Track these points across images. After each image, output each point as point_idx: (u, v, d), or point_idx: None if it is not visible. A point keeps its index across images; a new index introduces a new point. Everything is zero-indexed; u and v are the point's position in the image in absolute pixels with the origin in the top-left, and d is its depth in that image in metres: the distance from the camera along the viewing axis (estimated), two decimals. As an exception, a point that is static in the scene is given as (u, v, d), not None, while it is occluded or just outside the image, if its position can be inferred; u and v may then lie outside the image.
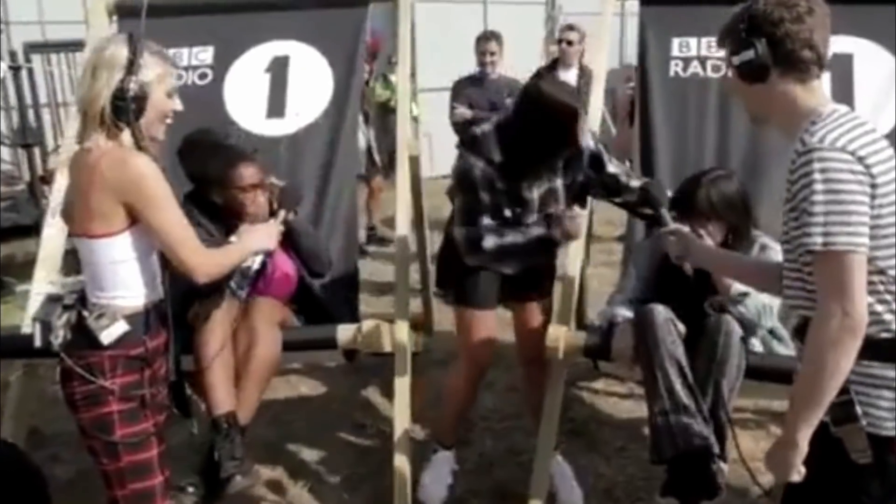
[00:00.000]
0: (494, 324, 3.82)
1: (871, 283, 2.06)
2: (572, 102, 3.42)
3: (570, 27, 7.26)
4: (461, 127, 6.78)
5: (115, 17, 4.68)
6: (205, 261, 2.65)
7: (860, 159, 2.03)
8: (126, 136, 2.56)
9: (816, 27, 2.16)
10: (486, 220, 3.56)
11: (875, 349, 2.08)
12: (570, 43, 7.11)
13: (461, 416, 4.09)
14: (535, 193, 3.62)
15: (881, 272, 2.08)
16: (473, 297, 3.75)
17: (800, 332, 2.20)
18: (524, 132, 3.49)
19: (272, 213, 3.60)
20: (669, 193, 3.57)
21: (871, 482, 2.16)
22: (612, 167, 3.70)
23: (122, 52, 2.53)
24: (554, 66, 7.19)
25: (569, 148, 3.55)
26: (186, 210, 3.52)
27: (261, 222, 3.61)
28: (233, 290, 3.58)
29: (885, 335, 2.10)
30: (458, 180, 3.66)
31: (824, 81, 4.11)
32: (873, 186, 2.03)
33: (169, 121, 2.70)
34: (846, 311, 2.00)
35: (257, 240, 3.02)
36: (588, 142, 3.67)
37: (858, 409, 2.10)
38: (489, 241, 3.56)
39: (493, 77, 7.09)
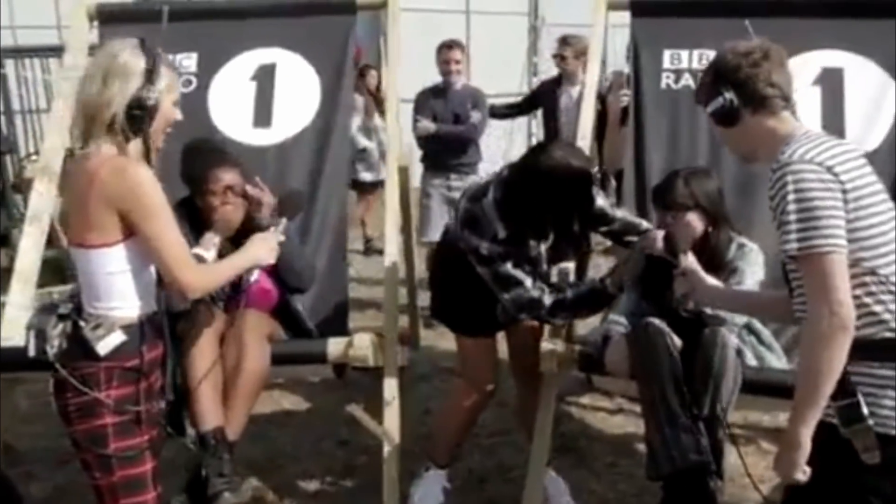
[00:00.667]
0: (496, 349, 3.83)
1: (864, 284, 2.20)
2: (584, 165, 3.33)
3: (565, 41, 6.95)
4: (424, 142, 6.69)
5: (94, 23, 4.61)
6: (198, 277, 2.62)
7: (828, 169, 2.20)
8: (133, 145, 2.53)
9: (773, 68, 2.40)
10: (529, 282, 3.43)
11: (878, 349, 2.20)
12: (563, 58, 6.90)
13: (459, 439, 4.04)
14: (542, 248, 3.57)
15: (872, 272, 2.20)
16: (475, 326, 3.76)
17: None
18: (533, 205, 3.34)
19: (250, 225, 3.50)
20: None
21: (881, 481, 2.23)
22: (599, 200, 3.59)
23: (137, 61, 2.52)
24: (559, 81, 7.05)
25: (583, 209, 3.44)
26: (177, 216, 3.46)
27: (227, 232, 3.58)
28: (208, 302, 3.49)
29: (887, 334, 2.20)
30: (470, 258, 3.47)
31: (815, 96, 4.22)
32: (844, 192, 2.18)
33: (169, 130, 2.68)
34: (833, 310, 2.13)
35: (257, 254, 2.92)
36: None
37: (865, 410, 2.19)
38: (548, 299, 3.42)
39: (457, 88, 6.76)
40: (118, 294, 2.56)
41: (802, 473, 2.24)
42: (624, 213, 3.80)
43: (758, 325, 3.55)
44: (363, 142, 8.42)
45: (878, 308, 2.20)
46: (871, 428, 2.19)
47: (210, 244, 3.52)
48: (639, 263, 3.38)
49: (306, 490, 4.22)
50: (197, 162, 3.65)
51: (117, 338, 2.54)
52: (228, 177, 3.61)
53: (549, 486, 3.84)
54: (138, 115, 2.49)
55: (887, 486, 2.23)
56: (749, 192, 4.07)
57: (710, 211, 3.46)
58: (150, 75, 2.50)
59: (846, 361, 2.15)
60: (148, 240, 2.50)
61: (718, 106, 2.44)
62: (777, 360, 3.51)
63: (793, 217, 2.17)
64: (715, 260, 3.38)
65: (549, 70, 12.89)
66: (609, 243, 4.84)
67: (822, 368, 2.14)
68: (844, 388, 2.19)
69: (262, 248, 2.92)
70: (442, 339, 5.95)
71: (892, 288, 2.21)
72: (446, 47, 6.88)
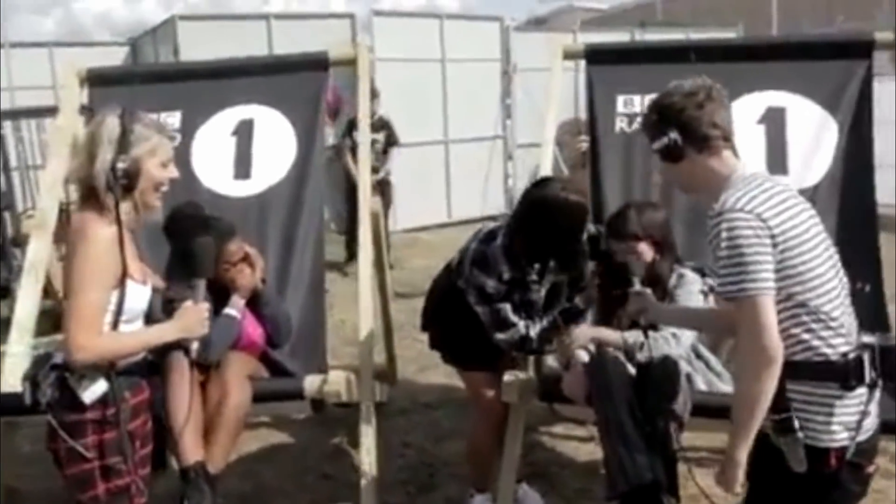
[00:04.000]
0: (497, 377, 3.90)
1: (795, 315, 2.37)
2: (581, 200, 3.57)
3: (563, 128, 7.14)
4: None
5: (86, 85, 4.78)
6: (93, 344, 2.58)
7: (758, 216, 2.34)
8: (124, 206, 2.62)
9: (716, 110, 2.53)
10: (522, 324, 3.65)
11: (808, 371, 2.39)
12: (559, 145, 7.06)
13: (490, 463, 4.11)
14: (542, 293, 3.78)
15: (803, 305, 2.36)
16: (479, 360, 3.92)
17: None
18: (533, 237, 3.60)
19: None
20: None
21: (808, 489, 2.43)
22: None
23: (113, 130, 2.61)
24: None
25: (577, 244, 3.66)
26: (176, 276, 3.59)
27: (248, 294, 3.80)
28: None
29: (816, 359, 2.38)
30: (470, 296, 3.69)
31: (759, 134, 4.38)
32: (772, 237, 2.33)
33: (165, 188, 2.76)
34: (762, 345, 2.31)
35: (186, 325, 2.88)
36: None
37: (797, 423, 2.38)
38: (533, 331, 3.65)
39: None
40: None
41: (741, 486, 2.46)
42: None
43: (706, 352, 3.71)
44: None
45: (806, 336, 2.38)
46: (801, 440, 2.38)
47: (238, 307, 3.78)
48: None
49: (292, 523, 4.31)
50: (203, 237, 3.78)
51: (101, 387, 2.62)
52: (238, 248, 3.83)
53: (524, 500, 4.03)
54: (115, 182, 2.58)
55: (813, 493, 2.43)
56: (699, 226, 4.22)
57: (658, 241, 3.68)
58: (122, 143, 2.60)
59: (783, 380, 2.34)
60: (67, 290, 2.57)
61: (663, 145, 2.56)
62: (725, 385, 3.66)
63: (726, 262, 2.34)
64: (658, 287, 3.56)
65: (522, 112, 13.15)
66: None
67: (755, 396, 2.33)
68: (780, 404, 2.38)
69: (192, 320, 2.89)
70: (420, 375, 6.11)
71: (822, 317, 2.37)
72: None
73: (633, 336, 3.50)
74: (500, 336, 3.66)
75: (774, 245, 2.33)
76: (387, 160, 9.65)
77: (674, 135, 2.52)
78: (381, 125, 9.35)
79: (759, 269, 2.31)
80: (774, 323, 2.32)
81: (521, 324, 3.63)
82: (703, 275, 3.75)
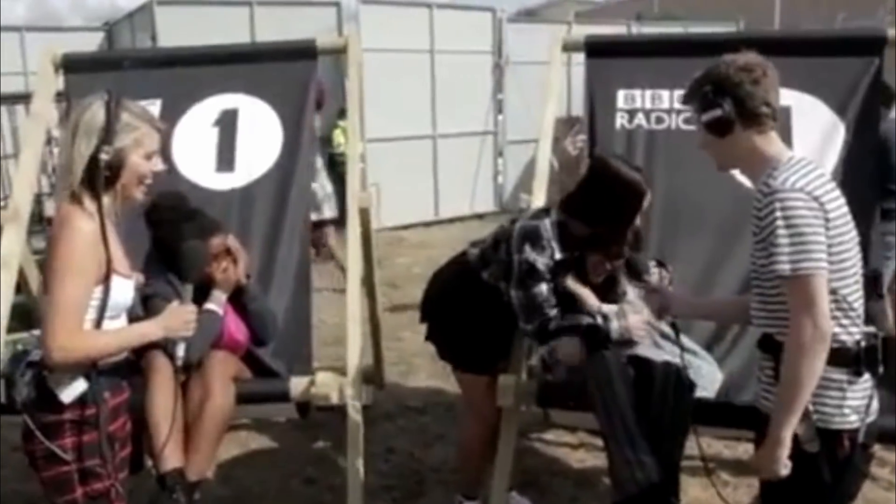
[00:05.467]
0: (495, 384, 3.84)
1: None
2: (641, 181, 3.51)
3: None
4: None
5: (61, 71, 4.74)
6: (71, 345, 2.54)
7: (815, 198, 2.45)
8: (107, 199, 2.60)
9: (770, 87, 2.60)
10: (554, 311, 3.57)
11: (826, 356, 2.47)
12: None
13: (481, 469, 4.13)
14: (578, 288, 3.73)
15: (833, 292, 2.48)
16: (478, 363, 3.90)
17: (762, 345, 2.66)
18: (588, 213, 3.53)
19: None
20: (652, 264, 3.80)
21: (822, 469, 2.55)
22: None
23: (98, 119, 2.58)
24: None
25: (627, 232, 3.59)
26: (155, 270, 3.57)
27: (230, 289, 3.80)
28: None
29: (834, 345, 2.47)
30: (518, 274, 3.57)
31: None
32: (827, 220, 2.45)
33: (149, 181, 2.73)
34: (816, 323, 2.41)
35: (169, 326, 2.87)
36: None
37: (811, 406, 2.50)
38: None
39: None
40: None
41: (784, 468, 2.52)
42: None
43: (685, 339, 3.70)
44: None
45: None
46: (814, 422, 2.51)
47: (220, 302, 3.78)
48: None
49: (273, 529, 4.29)
50: (186, 229, 3.74)
51: (80, 386, 2.60)
52: (222, 241, 3.82)
53: None
54: (97, 174, 2.56)
55: (827, 473, 2.56)
56: (703, 225, 4.27)
57: (637, 232, 3.66)
58: (107, 134, 2.57)
59: None
60: (47, 288, 2.55)
61: (715, 117, 2.61)
62: (706, 364, 3.73)
63: (783, 241, 2.43)
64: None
65: (513, 107, 13.16)
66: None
67: (805, 376, 2.43)
68: None
69: (176, 321, 2.88)
70: (407, 379, 6.12)
71: (844, 305, 2.51)
72: None
73: (609, 309, 3.58)
74: (528, 326, 3.58)
75: (827, 228, 2.45)
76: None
77: (728, 107, 2.58)
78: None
79: (816, 249, 2.42)
80: (827, 303, 2.43)
81: (553, 312, 3.54)
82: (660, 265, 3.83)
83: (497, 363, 3.87)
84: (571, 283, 3.69)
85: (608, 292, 3.72)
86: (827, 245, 2.44)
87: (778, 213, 2.43)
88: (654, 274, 3.75)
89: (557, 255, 3.53)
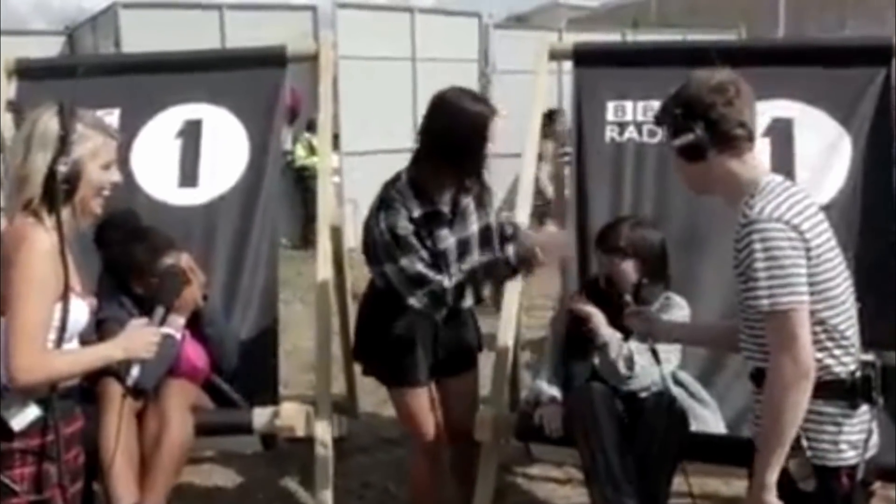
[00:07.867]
0: (434, 401, 3.79)
1: (814, 333, 2.48)
2: (480, 109, 3.58)
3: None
4: None
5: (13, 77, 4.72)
6: (36, 366, 2.52)
7: (794, 227, 2.45)
8: (65, 212, 2.59)
9: (745, 106, 2.59)
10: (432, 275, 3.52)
11: (818, 390, 2.47)
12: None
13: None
14: (451, 242, 3.63)
15: (821, 322, 2.49)
16: (407, 375, 3.73)
17: (754, 379, 2.65)
18: (433, 152, 3.60)
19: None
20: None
21: None
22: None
23: (52, 130, 2.57)
24: None
25: (481, 160, 3.65)
26: (108, 293, 3.56)
27: (189, 312, 3.75)
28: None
29: (827, 378, 2.50)
30: (382, 248, 3.55)
31: (764, 147, 4.36)
32: (807, 249, 2.45)
33: (107, 192, 2.72)
34: (796, 359, 2.42)
35: (130, 347, 2.85)
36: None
37: (804, 442, 2.50)
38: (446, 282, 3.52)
39: None
40: None
41: None
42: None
43: (685, 376, 3.76)
44: None
45: (820, 354, 2.49)
46: (809, 459, 2.51)
47: (177, 325, 3.71)
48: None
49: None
50: (137, 249, 3.78)
51: (32, 413, 2.57)
52: (175, 261, 3.76)
53: None
54: (55, 187, 2.55)
55: None
56: (694, 241, 4.26)
57: (647, 262, 3.68)
58: (63, 145, 2.56)
59: None
60: (8, 306, 2.51)
61: (687, 142, 2.59)
62: (706, 411, 3.71)
63: (761, 275, 2.44)
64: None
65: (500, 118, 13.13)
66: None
67: (787, 414, 2.44)
68: None
69: (139, 342, 2.87)
70: (383, 408, 6.03)
71: (835, 335, 2.52)
72: None
73: (628, 349, 3.55)
74: (416, 295, 3.49)
75: (809, 258, 2.45)
76: None
77: (700, 132, 2.56)
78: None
79: (796, 282, 2.43)
80: (809, 337, 2.44)
81: (437, 277, 3.49)
82: None
83: (427, 373, 3.75)
84: (582, 304, 3.69)
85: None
86: (809, 275, 2.44)
87: (756, 246, 2.44)
88: (682, 307, 3.74)
89: (416, 213, 3.51)
